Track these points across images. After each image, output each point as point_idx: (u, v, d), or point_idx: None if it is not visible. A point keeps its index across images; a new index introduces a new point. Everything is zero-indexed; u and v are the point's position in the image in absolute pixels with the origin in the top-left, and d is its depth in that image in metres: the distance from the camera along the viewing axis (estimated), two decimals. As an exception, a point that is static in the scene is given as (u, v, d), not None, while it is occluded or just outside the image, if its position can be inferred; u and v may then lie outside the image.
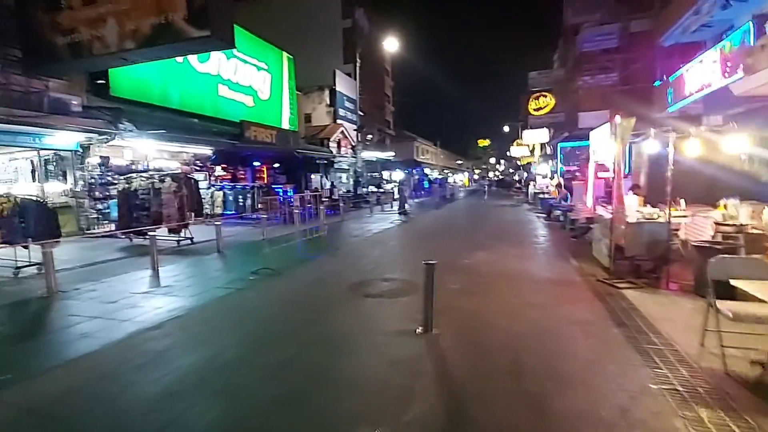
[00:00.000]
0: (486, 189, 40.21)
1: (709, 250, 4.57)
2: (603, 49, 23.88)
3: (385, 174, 36.49)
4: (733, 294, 3.39)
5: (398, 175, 33.39)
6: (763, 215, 4.94)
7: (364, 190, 27.65)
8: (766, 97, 8.15)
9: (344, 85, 28.14)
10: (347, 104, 28.49)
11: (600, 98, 24.16)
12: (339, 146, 25.13)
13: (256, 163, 19.45)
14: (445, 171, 64.22)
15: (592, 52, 24.28)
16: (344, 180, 29.39)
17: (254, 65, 17.89)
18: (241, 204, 14.82)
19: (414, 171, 45.71)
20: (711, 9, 11.67)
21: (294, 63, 20.86)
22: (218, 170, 16.98)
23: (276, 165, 20.63)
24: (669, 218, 5.23)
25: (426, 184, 39.79)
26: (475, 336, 3.94)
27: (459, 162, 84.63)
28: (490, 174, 74.39)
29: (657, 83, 16.52)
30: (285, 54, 20.37)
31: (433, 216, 18.05)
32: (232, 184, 16.87)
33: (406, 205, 18.08)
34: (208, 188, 15.07)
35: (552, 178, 21.73)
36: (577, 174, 15.72)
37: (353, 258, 8.33)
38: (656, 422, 2.52)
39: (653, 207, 6.33)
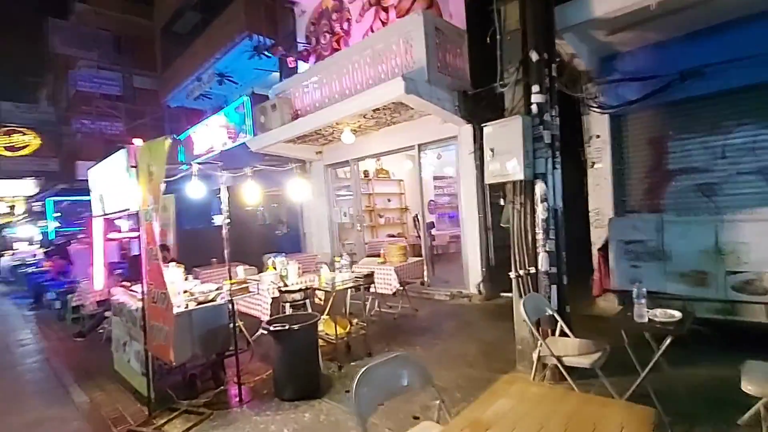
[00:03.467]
0: None
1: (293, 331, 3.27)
2: (104, 94, 21.04)
3: None
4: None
5: None
6: (321, 273, 4.31)
7: None
8: (277, 155, 8.88)
9: None
10: None
11: (105, 147, 20.93)
12: None
13: None
14: None
15: (92, 93, 20.82)
16: None
17: None
18: None
19: None
20: (210, 79, 12.40)
21: None
22: None
23: None
24: (231, 292, 3.55)
25: None
26: None
27: None
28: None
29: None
30: None
31: None
32: None
33: None
34: None
35: (41, 243, 15.94)
36: (80, 236, 11.83)
37: None
38: None
39: (194, 276, 4.56)
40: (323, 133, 7.57)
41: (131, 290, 3.90)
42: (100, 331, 5.77)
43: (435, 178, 10.85)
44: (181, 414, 3.27)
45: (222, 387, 3.65)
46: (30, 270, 11.60)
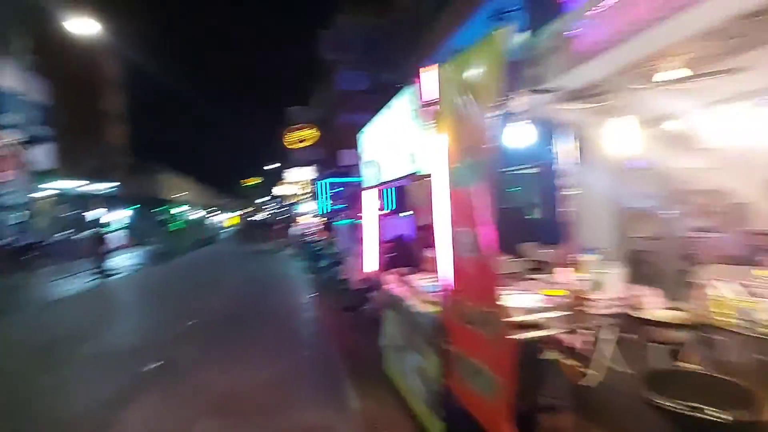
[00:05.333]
0: (244, 230, 35.31)
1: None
2: (358, 90, 23.91)
3: (110, 215, 26.88)
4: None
5: (114, 215, 24.83)
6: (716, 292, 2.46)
7: (59, 235, 18.44)
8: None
9: (20, 83, 18.79)
10: (27, 110, 19.02)
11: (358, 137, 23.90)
12: (-4, 170, 15.70)
13: None
14: (208, 210, 56.13)
15: (348, 91, 24.04)
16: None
17: None
18: None
19: (161, 209, 36.65)
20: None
21: None
22: None
23: None
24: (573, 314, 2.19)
25: (177, 225, 31.91)
26: None
27: (226, 200, 77.40)
28: (258, 215, 69.97)
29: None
30: None
31: (151, 277, 12.19)
32: None
33: (107, 259, 11.61)
34: None
35: (317, 216, 19.19)
36: (344, 212, 13.11)
37: None
38: None
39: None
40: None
41: (409, 281, 3.08)
42: (366, 312, 5.58)
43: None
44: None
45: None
46: (308, 239, 13.78)
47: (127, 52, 34.65)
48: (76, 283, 10.36)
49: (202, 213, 49.72)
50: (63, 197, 21.57)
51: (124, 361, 4.50)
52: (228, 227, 46.31)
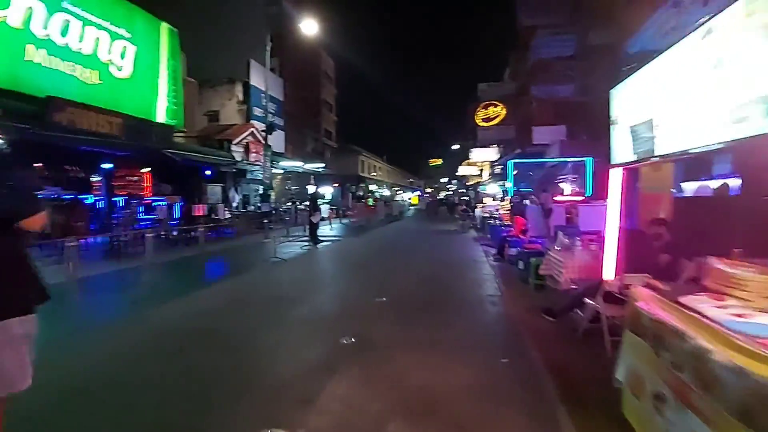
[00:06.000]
0: (429, 209, 36.45)
1: None
2: (558, 57, 21.13)
3: (323, 189, 31.75)
4: None
5: (322, 190, 28.68)
6: None
7: (286, 205, 22.71)
8: None
9: (263, 81, 23.39)
10: (266, 103, 23.68)
11: (554, 112, 21.23)
12: (248, 151, 20.08)
13: (107, 165, 14.06)
14: (395, 189, 60.88)
15: (547, 59, 21.40)
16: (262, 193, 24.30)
17: (105, 29, 12.67)
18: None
19: (355, 186, 41.45)
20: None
21: (177, 38, 15.77)
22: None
23: (145, 169, 15.32)
24: None
25: (370, 202, 35.54)
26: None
27: (410, 180, 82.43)
28: (442, 194, 71.85)
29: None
30: (164, 24, 15.29)
31: (348, 249, 13.52)
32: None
33: (318, 229, 13.45)
34: None
35: (503, 199, 18.02)
36: (542, 194, 11.74)
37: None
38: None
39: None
40: None
41: (691, 305, 2.07)
42: (574, 318, 4.58)
43: None
44: None
45: None
46: (495, 222, 12.94)
47: (334, 47, 39.61)
48: (294, 248, 12.29)
49: (389, 191, 53.92)
50: (288, 174, 26.34)
51: (326, 331, 4.77)
52: (414, 205, 49.00)
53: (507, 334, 4.76)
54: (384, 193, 48.86)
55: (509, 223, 12.00)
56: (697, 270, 4.33)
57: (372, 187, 47.25)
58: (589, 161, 15.91)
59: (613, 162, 2.58)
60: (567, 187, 15.60)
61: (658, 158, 2.28)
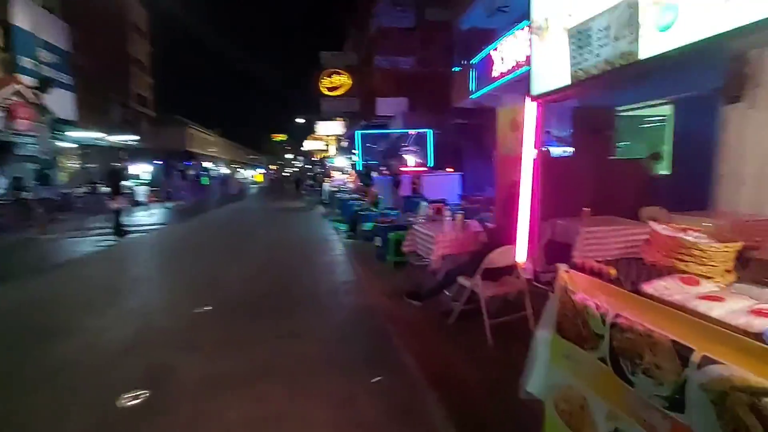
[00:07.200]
0: (273, 186, 34.06)
1: None
2: (399, 28, 21.24)
3: (137, 168, 25.97)
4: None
5: (136, 169, 23.79)
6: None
7: (83, 189, 17.52)
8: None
9: (38, 24, 17.29)
10: (45, 54, 17.63)
11: (397, 84, 21.41)
12: (12, 115, 14.50)
13: None
14: (234, 166, 55.36)
15: (390, 29, 21.33)
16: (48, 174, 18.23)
17: None
18: None
19: (186, 165, 35.80)
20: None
21: None
22: None
23: None
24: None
25: (204, 181, 30.98)
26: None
27: (252, 157, 76.67)
28: (287, 170, 68.81)
29: (457, 69, 13.93)
30: None
31: (168, 239, 10.89)
32: None
33: (121, 217, 10.29)
34: None
35: (351, 173, 17.40)
36: (393, 164, 11.25)
37: None
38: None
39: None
40: None
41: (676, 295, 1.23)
42: (442, 300, 3.83)
43: None
44: None
45: None
46: (345, 197, 12.05)
47: (148, -6, 32.49)
48: (86, 245, 9.12)
49: (228, 169, 48.93)
50: (83, 149, 20.55)
51: (97, 385, 2.97)
52: (257, 183, 45.38)
53: (370, 334, 3.74)
54: (223, 171, 43.83)
55: (359, 196, 11.27)
56: (551, 231, 4.03)
57: (206, 164, 41.71)
58: (429, 132, 16.39)
59: (532, 92, 1.69)
60: (410, 159, 15.79)
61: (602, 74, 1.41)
